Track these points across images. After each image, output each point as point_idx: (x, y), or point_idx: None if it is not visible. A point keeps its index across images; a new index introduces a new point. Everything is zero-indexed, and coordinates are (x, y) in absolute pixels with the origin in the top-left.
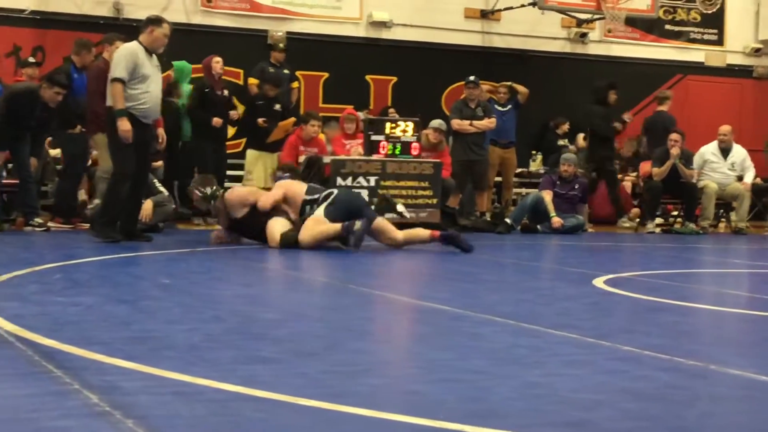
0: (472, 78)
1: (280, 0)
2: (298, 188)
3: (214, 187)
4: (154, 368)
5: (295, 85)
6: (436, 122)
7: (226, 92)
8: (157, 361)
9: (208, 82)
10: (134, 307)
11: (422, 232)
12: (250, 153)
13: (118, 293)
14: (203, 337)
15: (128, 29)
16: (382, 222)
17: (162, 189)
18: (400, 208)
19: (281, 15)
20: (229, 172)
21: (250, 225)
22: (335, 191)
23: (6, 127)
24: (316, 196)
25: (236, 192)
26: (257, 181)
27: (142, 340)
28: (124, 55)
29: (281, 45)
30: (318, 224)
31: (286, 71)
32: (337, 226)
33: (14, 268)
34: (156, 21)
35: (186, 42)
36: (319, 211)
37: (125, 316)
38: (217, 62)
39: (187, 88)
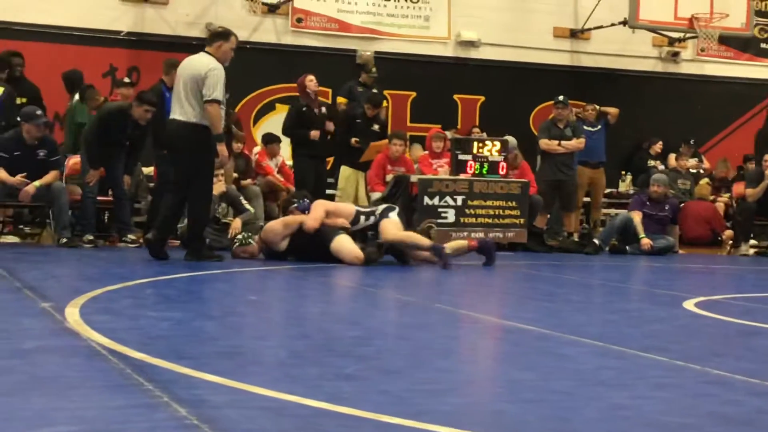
0: (561, 98)
1: (369, 20)
2: (335, 203)
3: (241, 235)
4: (241, 383)
5: (384, 104)
6: (510, 139)
7: (324, 109)
8: (244, 376)
9: (303, 100)
10: (222, 323)
11: (460, 243)
12: (344, 170)
13: (207, 309)
14: (289, 353)
15: None
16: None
17: (249, 207)
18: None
19: (370, 35)
20: None
21: (297, 249)
22: (395, 207)
23: (100, 145)
24: (372, 209)
25: (271, 229)
26: (347, 199)
27: (230, 356)
28: (221, 75)
29: (373, 69)
30: (398, 227)
31: (374, 91)
32: (425, 240)
33: (108, 283)
34: (225, 35)
35: (276, 62)
36: (394, 215)
37: (214, 331)
38: (311, 80)
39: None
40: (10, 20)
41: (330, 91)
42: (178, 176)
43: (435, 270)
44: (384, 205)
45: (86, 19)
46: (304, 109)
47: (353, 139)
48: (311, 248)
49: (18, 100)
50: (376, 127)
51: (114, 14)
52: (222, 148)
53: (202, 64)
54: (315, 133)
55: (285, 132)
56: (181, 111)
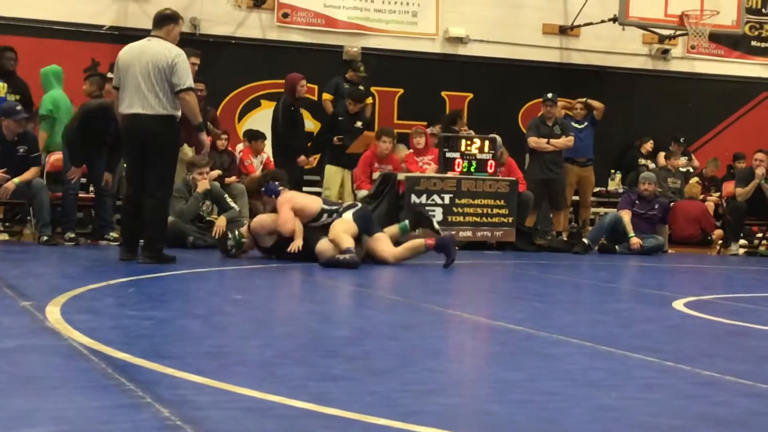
0: (549, 95)
1: (356, 15)
2: (302, 199)
3: (237, 232)
4: (225, 383)
5: (369, 101)
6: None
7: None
8: (229, 376)
9: (289, 99)
10: (206, 322)
11: (416, 242)
12: (329, 169)
13: (191, 308)
14: (275, 353)
15: (204, 45)
16: (378, 238)
17: (234, 205)
18: (436, 224)
19: (357, 30)
20: (305, 189)
21: (281, 249)
22: (359, 204)
23: (81, 142)
24: (335, 207)
25: (261, 223)
26: (334, 197)
27: (214, 355)
28: (186, 60)
29: (362, 68)
30: (347, 226)
31: (361, 87)
32: (345, 244)
33: (89, 281)
34: (174, 18)
35: (261, 58)
36: (348, 215)
37: (197, 330)
38: (301, 86)
39: (55, 94)
40: None
41: (316, 87)
42: (139, 173)
43: (424, 270)
44: (347, 203)
45: (68, 13)
46: (292, 108)
47: (335, 137)
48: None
49: (12, 97)
50: (359, 123)
51: (96, 8)
52: (204, 138)
53: (163, 51)
54: (303, 159)
55: (277, 131)
56: (144, 104)
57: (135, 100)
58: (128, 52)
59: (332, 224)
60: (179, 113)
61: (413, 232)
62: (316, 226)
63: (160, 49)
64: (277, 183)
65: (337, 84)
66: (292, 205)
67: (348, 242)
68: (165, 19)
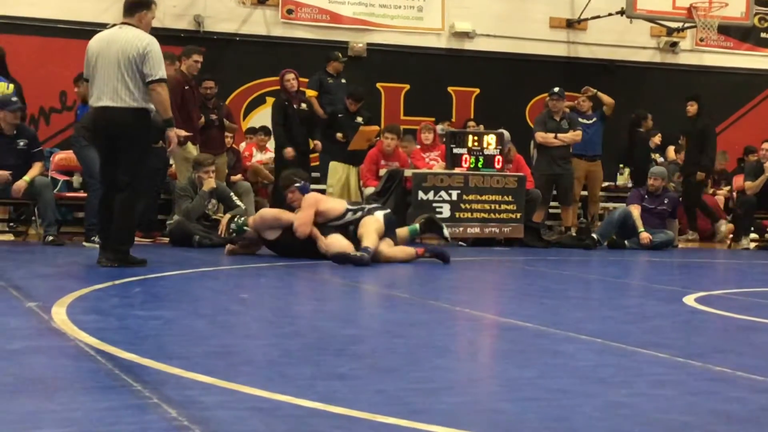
0: (556, 89)
1: (361, 11)
2: (329, 202)
3: (242, 219)
4: (232, 383)
5: (375, 129)
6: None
7: (304, 105)
8: (236, 376)
9: (284, 96)
10: (213, 322)
11: (409, 250)
12: (333, 165)
13: (197, 307)
14: (281, 352)
15: (208, 42)
16: (383, 240)
17: (239, 203)
18: (446, 233)
19: (362, 26)
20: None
21: (285, 245)
22: (387, 209)
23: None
24: (361, 206)
25: (265, 216)
26: (337, 195)
27: (221, 355)
28: (159, 50)
29: (340, 55)
30: (378, 225)
31: (343, 80)
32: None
33: (95, 281)
34: (146, 3)
35: (266, 55)
36: (379, 215)
37: (204, 330)
38: (287, 80)
39: None
40: None
41: None
42: (112, 171)
43: (431, 267)
44: (375, 205)
45: (71, 11)
46: (286, 104)
47: (338, 134)
48: (301, 246)
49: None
50: (359, 119)
51: (100, 6)
52: (173, 134)
53: (133, 39)
54: (288, 151)
55: (274, 127)
56: (114, 96)
57: (104, 92)
58: (97, 41)
59: (363, 220)
60: (152, 106)
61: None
62: (337, 225)
63: (130, 38)
64: (308, 185)
65: (320, 79)
66: (318, 207)
67: (373, 242)
68: (136, 5)
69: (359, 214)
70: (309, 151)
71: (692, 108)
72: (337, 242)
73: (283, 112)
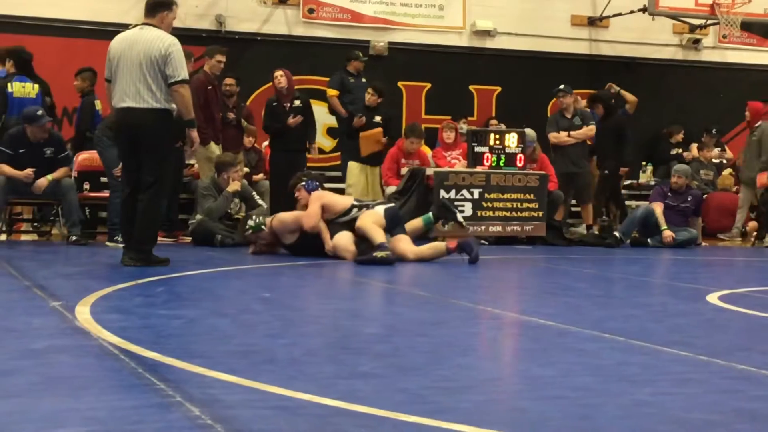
0: (562, 87)
1: (382, 10)
2: (333, 197)
3: (259, 218)
4: (255, 382)
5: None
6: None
7: (297, 102)
8: (258, 374)
9: (275, 95)
10: (235, 321)
11: (438, 245)
12: (352, 165)
13: (220, 307)
14: (304, 351)
15: (230, 42)
16: (400, 239)
17: (261, 202)
18: (460, 218)
19: (383, 25)
20: (327, 185)
21: (305, 247)
22: (392, 204)
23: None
24: (367, 202)
25: (282, 221)
26: (357, 195)
27: (244, 354)
28: (182, 50)
29: (360, 54)
30: (376, 218)
31: (364, 80)
32: (378, 238)
33: (118, 281)
34: (167, 3)
35: (287, 54)
36: (379, 209)
37: (227, 329)
38: (276, 78)
39: None
40: (18, 14)
41: None
42: (135, 172)
43: (453, 265)
44: (380, 200)
45: (95, 12)
46: (275, 104)
47: (357, 119)
48: (315, 245)
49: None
50: (378, 118)
51: (123, 7)
52: (194, 135)
53: (156, 40)
54: (292, 120)
55: (263, 127)
56: (137, 97)
57: (127, 94)
58: (119, 41)
59: (361, 215)
60: (174, 106)
61: (438, 225)
62: (343, 221)
63: (152, 39)
64: (316, 183)
65: (342, 78)
66: (323, 201)
67: (381, 236)
68: (158, 6)
69: (364, 210)
70: (303, 149)
71: (598, 110)
72: (344, 244)
73: (271, 111)
